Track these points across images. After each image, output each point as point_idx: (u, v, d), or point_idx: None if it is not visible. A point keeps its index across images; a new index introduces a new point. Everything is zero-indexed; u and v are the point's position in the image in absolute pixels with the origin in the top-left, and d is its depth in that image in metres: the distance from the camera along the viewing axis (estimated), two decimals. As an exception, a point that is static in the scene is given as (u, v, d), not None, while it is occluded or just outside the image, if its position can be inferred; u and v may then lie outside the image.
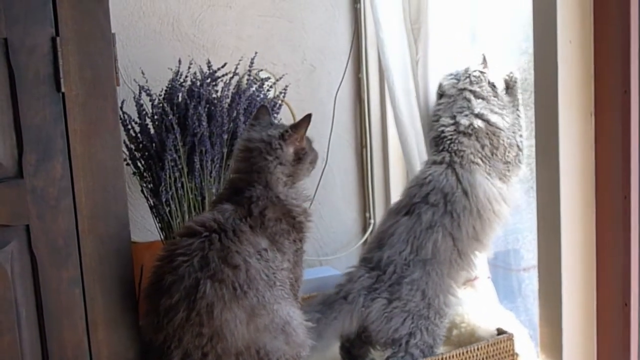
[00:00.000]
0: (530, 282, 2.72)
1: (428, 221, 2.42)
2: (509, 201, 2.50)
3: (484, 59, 2.54)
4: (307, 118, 2.02)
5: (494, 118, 2.48)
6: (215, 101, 2.45)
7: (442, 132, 2.54)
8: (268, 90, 2.60)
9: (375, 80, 3.16)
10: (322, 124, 3.00)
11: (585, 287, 2.22)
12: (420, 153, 2.74)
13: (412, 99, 2.72)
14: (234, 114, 2.47)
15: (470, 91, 2.53)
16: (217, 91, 2.51)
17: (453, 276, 2.41)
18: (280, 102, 2.61)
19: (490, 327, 2.44)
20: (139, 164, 2.52)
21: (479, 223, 2.43)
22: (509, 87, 2.55)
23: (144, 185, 2.53)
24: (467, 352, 2.32)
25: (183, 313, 1.79)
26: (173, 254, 1.86)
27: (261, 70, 2.82)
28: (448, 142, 2.51)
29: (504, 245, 2.83)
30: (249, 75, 2.60)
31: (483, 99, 2.51)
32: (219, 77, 2.52)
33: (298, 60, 3.07)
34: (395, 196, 3.18)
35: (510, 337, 2.37)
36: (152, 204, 2.52)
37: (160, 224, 2.52)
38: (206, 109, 2.41)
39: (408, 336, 2.30)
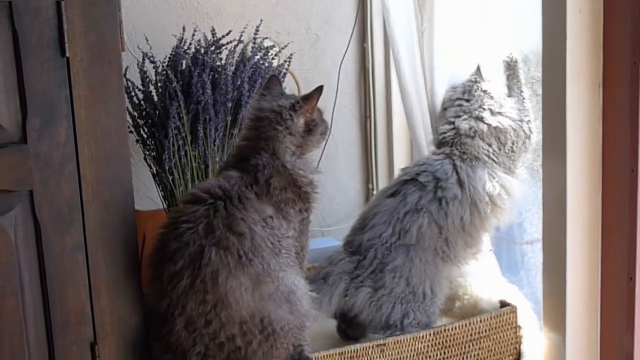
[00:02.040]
0: (534, 255, 2.71)
1: (414, 203, 2.39)
2: (512, 193, 2.48)
3: (478, 70, 2.52)
4: (319, 90, 2.01)
5: (494, 121, 2.45)
6: (220, 69, 2.43)
7: (444, 138, 2.51)
8: (273, 59, 2.58)
9: (380, 50, 3.14)
10: (326, 94, 2.94)
11: (590, 261, 2.21)
12: (425, 124, 2.73)
13: (417, 69, 2.70)
14: (239, 83, 2.45)
15: (463, 99, 2.51)
16: (221, 59, 2.49)
17: (439, 266, 2.38)
18: (285, 71, 2.59)
19: (493, 300, 2.44)
20: (142, 132, 2.51)
21: (468, 215, 2.39)
22: (511, 68, 2.52)
23: (147, 153, 2.52)
24: (470, 324, 2.32)
25: (187, 280, 1.78)
26: (178, 221, 1.85)
27: (266, 38, 2.80)
28: (450, 144, 2.49)
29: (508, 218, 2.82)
30: (254, 43, 2.58)
31: (478, 103, 2.49)
32: (223, 45, 2.50)
33: (303, 29, 3.05)
34: (399, 168, 3.18)
35: (513, 310, 2.37)
36: (156, 172, 2.50)
37: (163, 193, 2.51)
38: (210, 77, 2.40)
39: (402, 318, 2.30)
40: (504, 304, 2.41)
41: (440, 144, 2.54)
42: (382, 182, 3.19)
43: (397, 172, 3.17)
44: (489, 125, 2.45)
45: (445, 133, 2.51)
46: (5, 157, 1.73)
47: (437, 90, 2.65)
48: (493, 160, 2.44)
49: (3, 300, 1.76)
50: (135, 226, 1.90)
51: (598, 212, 2.18)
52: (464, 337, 2.31)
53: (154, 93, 2.47)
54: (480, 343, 2.33)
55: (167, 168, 2.41)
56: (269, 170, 1.93)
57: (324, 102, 2.10)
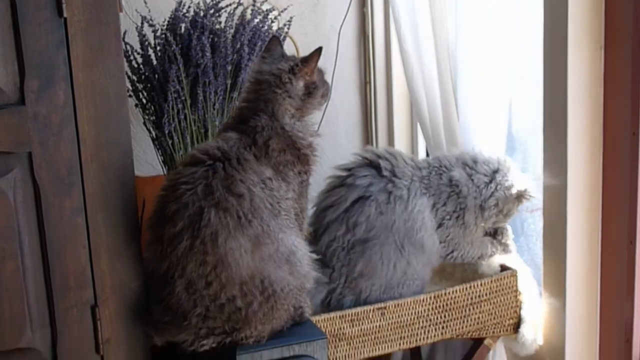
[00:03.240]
0: (533, 222, 2.71)
1: (362, 188, 2.32)
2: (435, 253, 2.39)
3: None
4: (318, 51, 2.00)
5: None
6: (219, 32, 2.42)
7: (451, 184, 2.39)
8: (272, 22, 2.56)
9: (380, 15, 3.12)
10: (325, 59, 2.95)
11: (590, 225, 2.21)
12: (426, 89, 2.71)
13: (419, 33, 2.68)
14: (238, 45, 2.43)
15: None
16: (220, 22, 2.48)
17: (409, 257, 2.32)
18: (284, 34, 2.58)
19: (493, 264, 2.44)
20: (141, 96, 2.50)
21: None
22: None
23: (146, 117, 2.51)
24: (470, 287, 2.32)
25: (187, 241, 1.78)
26: (177, 183, 1.84)
27: (264, 1, 2.77)
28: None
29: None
30: (253, 6, 2.56)
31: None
32: (222, 8, 2.49)
33: (302, -8, 3.03)
34: (399, 134, 3.18)
35: (514, 274, 2.37)
36: (155, 136, 2.50)
37: (162, 157, 2.51)
38: (210, 40, 2.38)
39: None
40: (504, 268, 2.41)
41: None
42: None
43: (397, 139, 3.19)
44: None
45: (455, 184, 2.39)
46: (3, 119, 1.72)
47: (439, 54, 2.63)
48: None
49: (2, 263, 1.76)
50: (134, 189, 1.89)
51: (599, 176, 2.18)
52: (464, 300, 2.31)
53: (152, 56, 2.46)
54: (480, 306, 2.33)
55: (166, 132, 2.40)
56: (268, 131, 1.92)
57: (323, 68, 2.09)
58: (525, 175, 2.43)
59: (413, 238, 2.29)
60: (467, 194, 2.35)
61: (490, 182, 2.36)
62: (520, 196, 2.36)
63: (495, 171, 2.38)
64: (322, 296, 2.29)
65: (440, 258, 2.41)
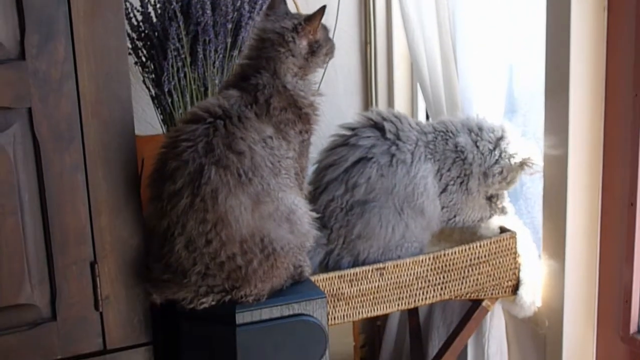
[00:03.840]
0: (532, 185, 2.71)
1: (364, 149, 2.32)
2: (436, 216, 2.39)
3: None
4: (322, 10, 1.98)
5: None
6: (220, -11, 2.40)
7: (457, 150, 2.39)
8: (273, -21, 2.54)
9: (382, -26, 3.10)
10: (326, 18, 2.94)
11: (590, 187, 2.21)
12: (427, 51, 2.70)
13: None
14: (238, 4, 2.42)
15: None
16: (221, -20, 2.45)
17: (408, 220, 2.31)
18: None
19: (492, 225, 2.44)
20: (140, 54, 2.48)
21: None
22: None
23: (146, 75, 2.49)
24: (469, 249, 2.32)
25: (187, 199, 1.77)
26: (177, 140, 1.83)
27: (265, -42, 2.76)
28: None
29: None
30: (254, -37, 2.54)
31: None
32: (223, -35, 2.46)
33: (302, -51, 3.00)
34: (399, 95, 3.17)
35: (513, 235, 2.37)
36: (154, 94, 2.49)
37: (162, 116, 2.50)
38: (210, -3, 2.37)
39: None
40: (503, 230, 2.41)
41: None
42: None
43: (397, 100, 3.18)
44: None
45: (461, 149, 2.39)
46: (3, 74, 1.70)
47: (439, 15, 2.62)
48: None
49: (2, 219, 1.75)
50: (135, 146, 1.88)
51: (600, 138, 2.18)
52: (463, 262, 2.32)
53: (152, 14, 2.44)
54: (479, 268, 2.34)
55: (165, 90, 2.39)
56: (269, 89, 1.91)
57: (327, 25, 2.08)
58: (529, 142, 2.42)
59: (413, 203, 2.29)
60: (472, 160, 2.35)
61: (495, 149, 2.36)
62: (523, 164, 2.36)
63: (500, 138, 2.38)
64: (320, 257, 2.29)
65: (442, 223, 2.41)
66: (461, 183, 2.36)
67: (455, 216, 2.41)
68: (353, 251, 2.29)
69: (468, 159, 2.35)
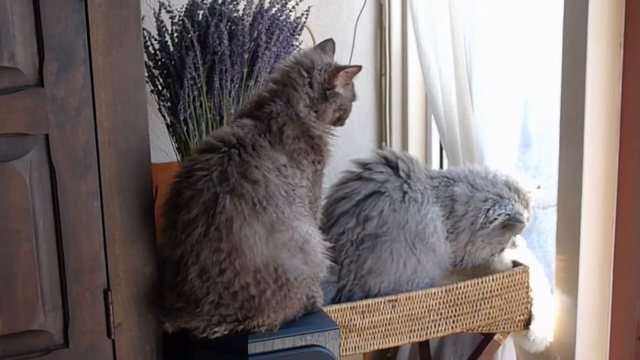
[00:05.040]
0: (546, 219, 2.71)
1: (378, 183, 2.31)
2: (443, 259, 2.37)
3: None
4: (357, 67, 2.00)
5: None
6: (237, 20, 2.41)
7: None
8: (290, 11, 2.56)
9: (397, 7, 3.10)
10: (341, 50, 2.96)
11: (604, 223, 2.21)
12: (442, 82, 2.71)
13: (436, 27, 2.67)
14: (255, 34, 2.43)
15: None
16: (238, 10, 2.47)
17: (419, 255, 2.29)
18: (301, 24, 2.57)
19: (505, 259, 2.43)
20: (157, 82, 2.50)
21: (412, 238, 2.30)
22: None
23: (162, 103, 2.51)
24: (482, 282, 2.31)
25: (201, 228, 1.77)
26: (192, 169, 1.83)
27: (283, -10, 2.78)
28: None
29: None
30: (272, -6, 2.56)
31: None
32: (240, -4, 2.48)
33: (319, -18, 3.03)
34: (413, 128, 3.17)
35: (525, 270, 2.36)
36: (170, 122, 2.50)
37: (177, 144, 2.51)
38: (227, 27, 2.37)
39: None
40: (516, 264, 2.40)
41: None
42: (395, 141, 3.18)
43: (411, 131, 3.18)
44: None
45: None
46: (21, 100, 1.72)
47: (455, 49, 2.63)
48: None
49: (17, 245, 1.77)
50: (150, 174, 1.89)
51: (614, 173, 2.18)
52: (475, 295, 2.31)
53: (169, 43, 2.45)
54: (492, 301, 2.33)
55: (181, 118, 2.40)
56: (282, 117, 1.91)
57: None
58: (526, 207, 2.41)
59: (425, 240, 2.28)
60: (463, 213, 2.34)
61: (489, 210, 2.34)
62: (508, 226, 2.35)
63: (497, 198, 2.36)
64: (332, 295, 2.28)
65: (451, 266, 2.40)
66: (458, 233, 2.35)
67: (462, 260, 2.39)
68: (364, 287, 2.28)
69: (459, 212, 2.34)
